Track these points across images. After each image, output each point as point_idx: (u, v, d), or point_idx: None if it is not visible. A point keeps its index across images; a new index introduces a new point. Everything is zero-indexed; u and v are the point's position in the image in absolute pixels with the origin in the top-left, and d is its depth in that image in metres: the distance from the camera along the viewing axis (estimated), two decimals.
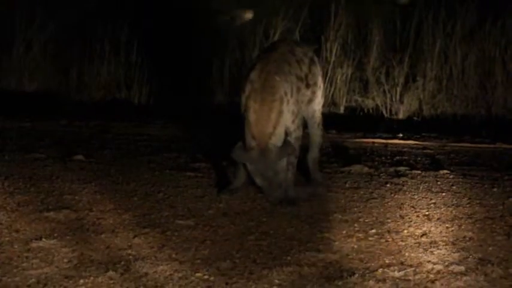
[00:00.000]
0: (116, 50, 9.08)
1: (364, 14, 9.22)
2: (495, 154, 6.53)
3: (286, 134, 4.75)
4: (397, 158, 6.31)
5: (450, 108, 8.50)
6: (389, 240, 4.27)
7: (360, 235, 4.34)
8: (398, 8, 9.32)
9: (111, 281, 3.65)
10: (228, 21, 9.76)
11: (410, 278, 3.74)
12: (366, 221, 4.59)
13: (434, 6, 8.87)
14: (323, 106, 5.29)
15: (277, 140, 4.64)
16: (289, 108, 4.75)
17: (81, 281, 3.64)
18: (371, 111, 8.57)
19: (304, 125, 5.11)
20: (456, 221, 4.61)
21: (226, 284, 3.65)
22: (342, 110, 8.58)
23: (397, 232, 4.39)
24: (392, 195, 5.14)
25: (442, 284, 3.67)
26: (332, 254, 4.02)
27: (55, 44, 9.29)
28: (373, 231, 4.40)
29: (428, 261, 3.94)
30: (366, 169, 5.79)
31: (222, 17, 9.77)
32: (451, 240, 4.27)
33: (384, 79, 8.57)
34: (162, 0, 9.66)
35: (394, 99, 8.47)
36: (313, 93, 5.10)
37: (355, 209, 4.82)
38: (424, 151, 6.61)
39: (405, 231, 4.42)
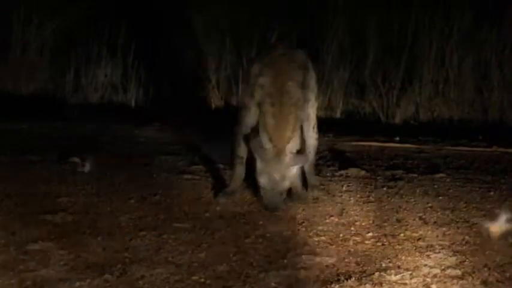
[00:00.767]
0: (112, 52, 9.06)
1: (361, 18, 9.21)
2: (492, 158, 6.53)
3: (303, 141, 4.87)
4: (394, 161, 6.31)
5: (447, 112, 8.49)
6: (386, 243, 4.27)
7: (357, 238, 4.34)
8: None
9: (108, 284, 3.64)
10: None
11: (406, 281, 3.74)
12: (363, 224, 4.59)
13: (431, 10, 8.87)
14: (318, 109, 5.30)
15: (294, 144, 4.69)
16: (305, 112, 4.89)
17: (78, 283, 3.64)
18: (368, 114, 8.57)
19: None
20: (453, 225, 4.61)
21: (223, 287, 3.65)
22: (338, 113, 8.56)
23: (393, 236, 4.39)
24: (389, 198, 5.14)
25: None
26: (329, 258, 4.02)
27: (52, 46, 9.26)
28: (370, 234, 4.41)
29: (425, 265, 3.94)
30: (362, 172, 5.79)
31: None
32: (447, 244, 4.27)
33: (381, 83, 8.56)
34: (160, 3, 9.65)
35: (390, 103, 8.46)
36: (308, 96, 5.10)
37: (352, 212, 4.82)
38: (421, 155, 6.61)
39: (402, 234, 4.42)
